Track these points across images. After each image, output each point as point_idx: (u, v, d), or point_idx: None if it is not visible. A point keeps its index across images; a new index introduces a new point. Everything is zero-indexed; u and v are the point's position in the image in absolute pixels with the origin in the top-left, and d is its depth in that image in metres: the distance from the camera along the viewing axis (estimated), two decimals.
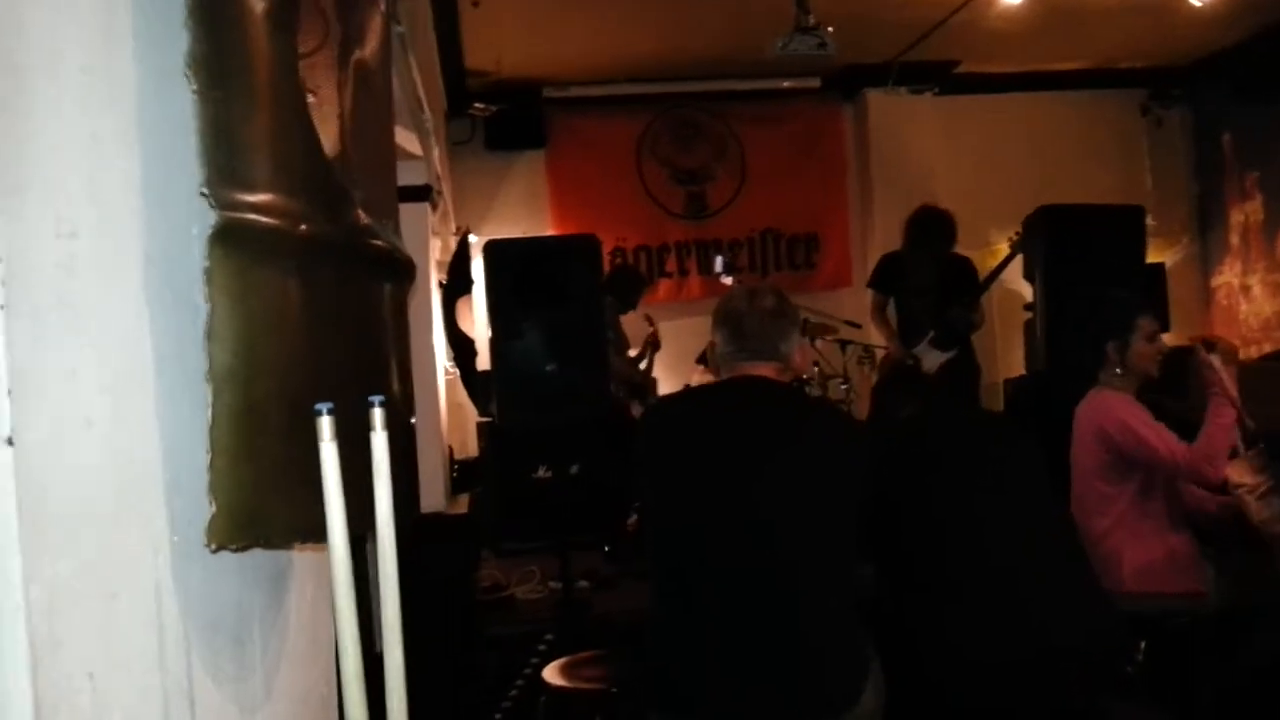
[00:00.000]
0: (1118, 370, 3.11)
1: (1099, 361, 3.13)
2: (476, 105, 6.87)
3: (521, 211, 7.20)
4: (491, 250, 4.54)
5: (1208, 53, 7.15)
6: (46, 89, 0.88)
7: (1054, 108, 7.66)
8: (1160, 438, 2.95)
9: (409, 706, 1.13)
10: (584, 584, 4.91)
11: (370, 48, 1.27)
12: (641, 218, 7.39)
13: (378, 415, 1.07)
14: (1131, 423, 3.00)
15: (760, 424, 2.36)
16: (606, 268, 5.92)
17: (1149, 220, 5.44)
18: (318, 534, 1.06)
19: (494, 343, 4.40)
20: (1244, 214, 7.38)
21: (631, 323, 6.22)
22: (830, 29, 5.07)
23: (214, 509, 0.99)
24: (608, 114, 7.31)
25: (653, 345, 6.40)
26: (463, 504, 4.38)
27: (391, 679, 1.12)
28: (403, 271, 1.38)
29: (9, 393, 0.77)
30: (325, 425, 1.01)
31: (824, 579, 2.23)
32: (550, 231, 7.06)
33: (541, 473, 5.67)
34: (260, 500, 1.03)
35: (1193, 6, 5.67)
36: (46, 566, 0.81)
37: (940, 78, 7.37)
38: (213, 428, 0.99)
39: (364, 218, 1.22)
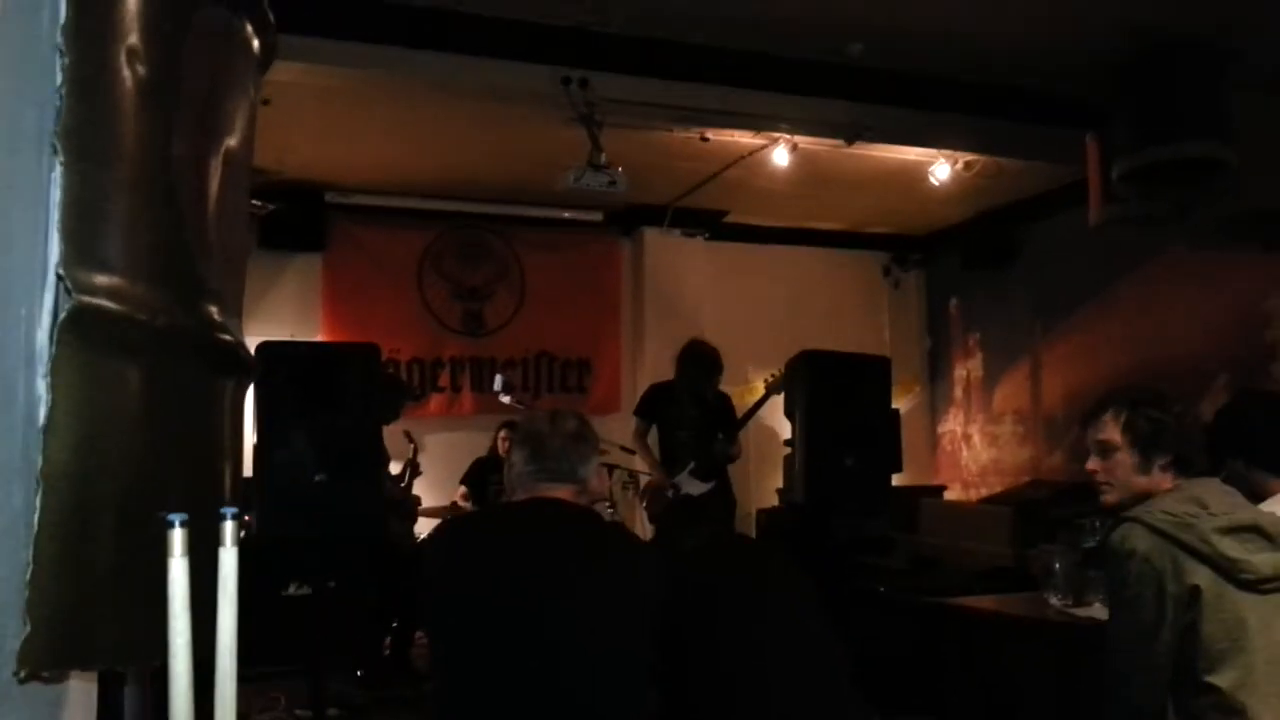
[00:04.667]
0: None
1: None
2: (253, 202, 6.61)
3: (291, 314, 6.91)
4: (264, 352, 4.32)
5: (941, 226, 8.08)
6: None
7: (808, 261, 8.33)
8: None
9: None
10: (334, 712, 4.60)
11: (239, 135, 1.22)
12: (417, 330, 7.28)
13: (229, 529, 0.99)
14: None
15: (555, 547, 2.34)
16: None
17: None
18: (144, 657, 0.95)
19: (260, 449, 4.14)
20: (966, 370, 8.25)
21: (389, 437, 6.05)
22: (620, 169, 5.32)
23: (28, 629, 0.87)
24: (392, 225, 7.23)
25: (412, 464, 6.23)
26: None
27: None
28: (245, 369, 1.30)
29: None
30: (176, 538, 0.92)
31: (614, 705, 2.21)
32: (320, 337, 6.81)
33: (293, 590, 5.31)
34: (84, 619, 0.92)
35: (931, 185, 6.42)
36: None
37: (710, 224, 7.86)
38: (39, 534, 0.88)
39: (215, 312, 1.15)
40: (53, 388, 0.90)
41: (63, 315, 0.91)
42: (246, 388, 1.34)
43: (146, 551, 0.96)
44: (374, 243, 7.18)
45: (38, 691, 1.12)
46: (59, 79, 0.93)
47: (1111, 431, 2.30)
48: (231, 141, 1.20)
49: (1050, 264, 7.27)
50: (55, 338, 0.90)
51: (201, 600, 1.01)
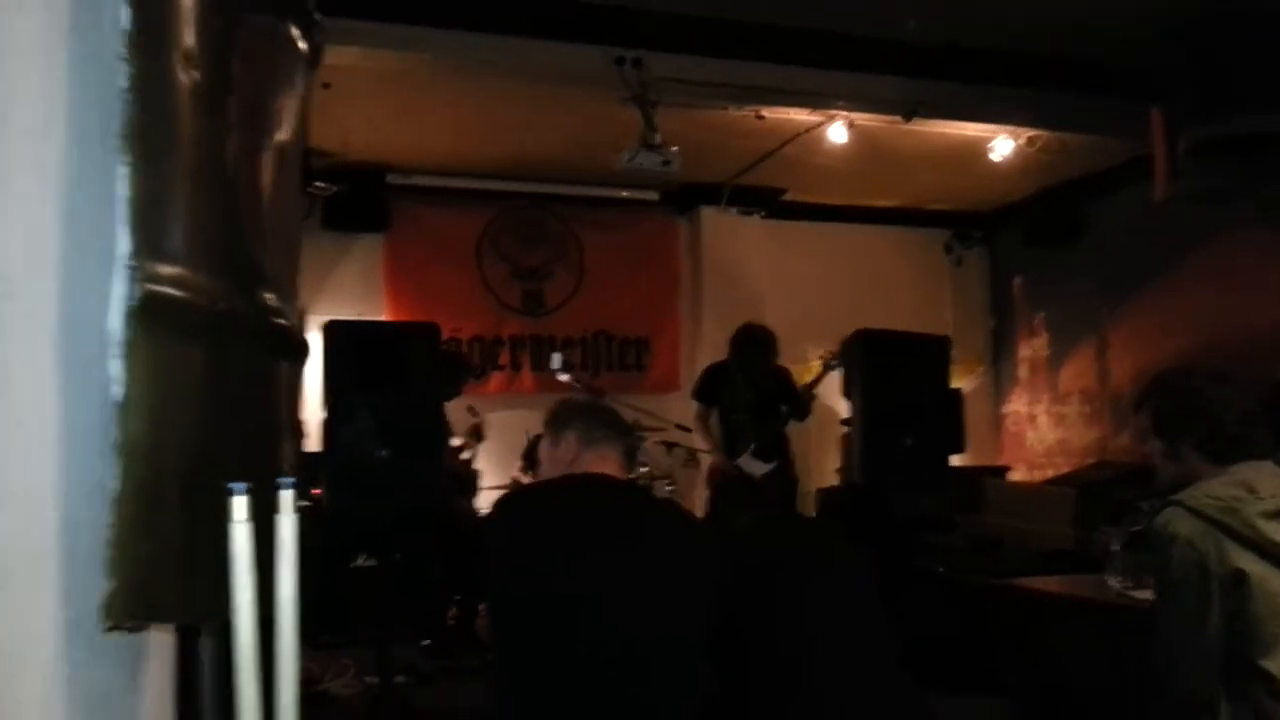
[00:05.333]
0: None
1: None
2: (317, 184, 6.78)
3: (355, 294, 7.08)
4: (331, 331, 4.46)
5: (1003, 203, 7.95)
6: None
7: (868, 239, 8.26)
8: None
9: None
10: (401, 679, 4.75)
11: (289, 130, 1.30)
12: (478, 309, 7.41)
13: (286, 498, 1.08)
14: None
15: (608, 526, 2.34)
16: None
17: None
18: (213, 614, 1.04)
19: (327, 425, 4.29)
20: (1031, 349, 8.12)
21: (454, 412, 6.18)
22: (675, 148, 5.34)
23: (112, 586, 0.97)
24: (452, 205, 7.35)
25: (476, 437, 6.36)
26: None
27: None
28: (300, 351, 1.39)
29: None
30: (239, 505, 1.01)
31: (665, 688, 2.23)
32: (383, 316, 6.97)
33: (361, 561, 5.48)
34: (159, 578, 1.01)
35: (992, 162, 6.33)
36: None
37: (768, 202, 7.84)
38: (118, 501, 0.97)
39: (271, 298, 1.23)
40: (125, 368, 0.99)
41: (132, 302, 0.99)
42: (302, 368, 1.43)
43: (212, 517, 1.05)
44: (435, 223, 7.31)
45: (122, 642, 1.23)
46: (121, 83, 1.01)
47: (1144, 416, 2.31)
48: (282, 136, 1.28)
49: (1117, 240, 7.11)
50: (126, 323, 0.99)
51: (264, 564, 1.09)
